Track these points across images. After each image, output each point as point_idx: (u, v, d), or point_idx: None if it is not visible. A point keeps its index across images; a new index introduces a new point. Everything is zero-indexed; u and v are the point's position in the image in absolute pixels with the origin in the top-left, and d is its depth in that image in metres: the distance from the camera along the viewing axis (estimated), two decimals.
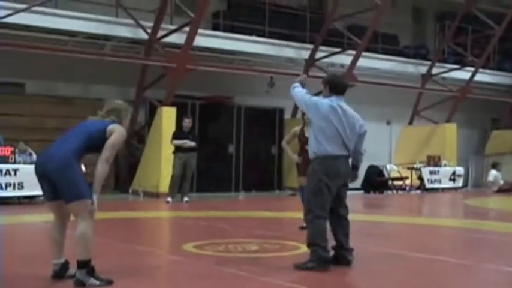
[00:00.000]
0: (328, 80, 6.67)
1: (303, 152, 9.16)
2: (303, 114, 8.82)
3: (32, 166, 13.62)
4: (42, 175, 5.53)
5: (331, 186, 6.35)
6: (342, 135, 6.41)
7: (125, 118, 5.84)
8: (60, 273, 5.63)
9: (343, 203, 6.65)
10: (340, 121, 6.42)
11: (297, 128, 9.73)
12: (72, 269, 5.58)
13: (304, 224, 8.20)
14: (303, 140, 9.14)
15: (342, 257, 6.57)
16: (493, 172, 21.24)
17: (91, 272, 5.42)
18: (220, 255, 7.31)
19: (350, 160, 6.61)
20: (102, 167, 5.46)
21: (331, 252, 6.52)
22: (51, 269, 5.66)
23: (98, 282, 5.39)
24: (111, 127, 5.60)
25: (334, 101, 6.49)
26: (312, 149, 6.50)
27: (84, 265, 5.39)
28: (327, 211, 6.43)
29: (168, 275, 6.57)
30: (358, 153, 6.69)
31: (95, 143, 5.54)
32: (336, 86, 6.58)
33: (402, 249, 8.17)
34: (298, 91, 6.72)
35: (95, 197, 5.41)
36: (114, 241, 8.41)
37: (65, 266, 5.66)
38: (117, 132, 5.57)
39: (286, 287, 5.65)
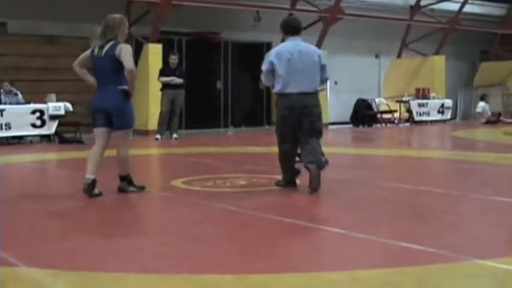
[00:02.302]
0: (281, 24, 7.44)
1: None
2: None
3: (18, 106, 13.55)
4: (101, 110, 6.77)
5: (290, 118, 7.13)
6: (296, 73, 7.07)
7: (120, 31, 6.74)
8: (89, 187, 6.68)
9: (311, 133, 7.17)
10: (293, 61, 7.07)
11: None
12: (97, 189, 6.73)
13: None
14: None
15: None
16: (481, 104, 21.29)
17: (130, 182, 6.99)
18: (208, 190, 7.36)
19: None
20: (134, 72, 6.66)
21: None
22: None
23: (134, 189, 6.98)
24: (117, 50, 6.60)
25: (286, 45, 7.24)
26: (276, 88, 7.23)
27: (125, 178, 6.96)
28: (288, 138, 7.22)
29: (156, 210, 6.62)
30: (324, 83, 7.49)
31: (118, 67, 6.63)
32: (288, 27, 7.36)
33: (390, 180, 8.25)
34: (262, 79, 7.41)
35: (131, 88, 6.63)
36: (103, 178, 8.42)
37: (94, 181, 6.73)
38: (124, 50, 6.60)
39: (273, 220, 5.71)
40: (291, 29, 7.33)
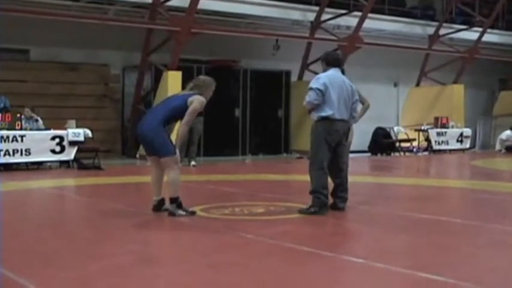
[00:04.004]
0: (326, 57, 7.84)
1: None
2: None
3: (38, 132, 13.74)
4: (140, 139, 7.52)
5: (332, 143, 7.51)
6: (341, 101, 7.50)
7: (206, 91, 7.44)
8: (158, 206, 7.48)
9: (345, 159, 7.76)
10: (341, 90, 7.51)
11: None
12: (167, 205, 7.38)
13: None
14: None
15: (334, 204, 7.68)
16: (508, 132, 21.09)
17: (179, 205, 7.31)
18: (226, 218, 7.34)
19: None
20: (182, 128, 7.22)
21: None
22: None
23: (184, 213, 7.29)
24: (191, 98, 7.21)
25: (332, 74, 7.60)
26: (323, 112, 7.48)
27: (174, 201, 7.29)
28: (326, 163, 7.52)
29: (174, 238, 6.61)
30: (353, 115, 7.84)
31: (178, 113, 7.19)
32: (332, 60, 7.75)
33: (408, 210, 8.19)
34: (311, 97, 7.53)
35: (178, 151, 7.21)
36: (122, 206, 8.46)
37: (161, 201, 7.50)
38: (196, 101, 7.18)
39: (292, 249, 5.68)
40: (335, 62, 7.76)
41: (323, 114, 7.41)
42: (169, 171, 7.29)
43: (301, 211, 7.50)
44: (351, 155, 8.90)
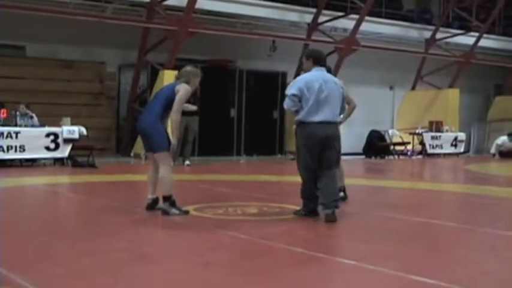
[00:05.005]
0: (310, 53, 7.62)
1: None
2: None
3: (33, 129, 13.71)
4: (140, 133, 7.61)
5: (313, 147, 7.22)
6: (320, 103, 7.18)
7: (192, 80, 7.54)
8: (152, 205, 7.54)
9: (329, 164, 7.27)
10: (321, 90, 7.18)
11: None
12: (160, 204, 7.43)
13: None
14: None
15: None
16: (503, 137, 21.14)
17: (173, 204, 7.31)
18: (219, 217, 7.35)
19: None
20: (173, 116, 7.25)
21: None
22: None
23: (177, 212, 7.29)
24: (177, 87, 7.36)
25: (314, 74, 7.32)
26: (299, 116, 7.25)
27: (167, 199, 7.30)
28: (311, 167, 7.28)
29: (166, 236, 6.61)
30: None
31: (170, 103, 7.28)
32: (317, 58, 7.47)
33: (401, 213, 8.21)
34: (287, 105, 7.34)
35: (174, 140, 7.28)
36: (115, 203, 8.46)
37: (155, 200, 7.56)
38: (182, 89, 7.32)
39: (285, 249, 5.69)
40: (319, 59, 7.47)
41: (299, 117, 7.22)
42: (161, 168, 7.34)
43: (295, 213, 7.50)
44: (345, 158, 8.92)
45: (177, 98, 7.29)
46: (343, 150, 7.80)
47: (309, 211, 7.38)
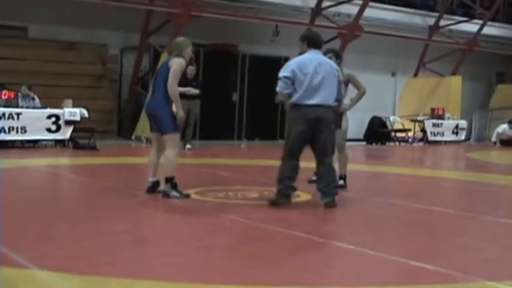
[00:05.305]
0: (305, 36, 7.39)
1: None
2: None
3: (34, 110, 13.66)
4: (148, 115, 7.58)
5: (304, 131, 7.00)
6: (314, 85, 6.96)
7: (184, 51, 7.49)
8: (152, 188, 7.52)
9: (325, 151, 7.11)
10: (316, 72, 6.98)
11: None
12: (161, 186, 7.40)
13: (313, 178, 8.28)
14: None
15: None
16: (504, 126, 21.12)
17: (174, 186, 7.30)
18: (220, 201, 7.37)
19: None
20: (170, 89, 7.27)
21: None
22: None
23: (178, 195, 7.27)
24: (170, 62, 7.36)
25: (308, 56, 7.11)
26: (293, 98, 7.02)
27: (169, 180, 7.29)
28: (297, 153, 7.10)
29: (167, 220, 6.63)
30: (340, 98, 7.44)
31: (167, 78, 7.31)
32: (313, 40, 7.29)
33: (401, 199, 8.22)
34: (280, 87, 7.07)
35: (180, 112, 7.30)
36: (116, 185, 8.48)
37: (156, 183, 7.53)
38: (175, 63, 7.33)
39: (284, 233, 5.70)
40: (315, 42, 7.27)
41: (293, 100, 6.97)
42: (168, 149, 7.33)
43: (269, 202, 7.14)
44: (346, 143, 8.92)
45: (171, 71, 7.28)
46: None
47: (280, 196, 7.09)
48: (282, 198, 7.08)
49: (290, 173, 7.08)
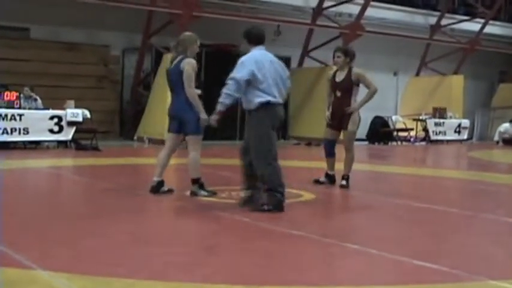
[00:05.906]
0: (247, 33, 6.95)
1: (334, 98, 8.85)
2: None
3: (37, 111, 13.67)
4: (172, 117, 7.55)
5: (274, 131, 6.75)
6: (275, 83, 6.69)
7: (190, 48, 7.44)
8: (157, 187, 7.51)
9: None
10: (273, 70, 6.69)
11: (330, 72, 9.22)
12: (165, 187, 7.56)
13: (320, 178, 8.25)
14: (334, 86, 8.85)
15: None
16: (506, 125, 21.12)
17: (201, 186, 7.47)
18: (223, 201, 7.36)
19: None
20: (188, 93, 7.31)
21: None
22: None
23: (206, 193, 7.45)
24: (182, 63, 7.34)
25: (260, 53, 6.77)
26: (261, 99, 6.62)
27: (196, 181, 7.46)
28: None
29: (170, 220, 6.63)
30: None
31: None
32: (255, 37, 6.90)
33: (404, 198, 8.21)
34: (230, 89, 6.65)
35: (202, 114, 7.29)
36: (118, 186, 8.48)
37: (160, 183, 7.54)
38: (186, 65, 7.31)
39: (287, 233, 5.70)
40: (259, 38, 6.89)
41: (263, 99, 6.55)
42: (192, 151, 7.44)
43: (256, 208, 6.63)
44: None
45: (185, 76, 7.29)
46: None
47: (275, 204, 6.61)
48: (277, 206, 6.61)
49: (281, 178, 6.70)
